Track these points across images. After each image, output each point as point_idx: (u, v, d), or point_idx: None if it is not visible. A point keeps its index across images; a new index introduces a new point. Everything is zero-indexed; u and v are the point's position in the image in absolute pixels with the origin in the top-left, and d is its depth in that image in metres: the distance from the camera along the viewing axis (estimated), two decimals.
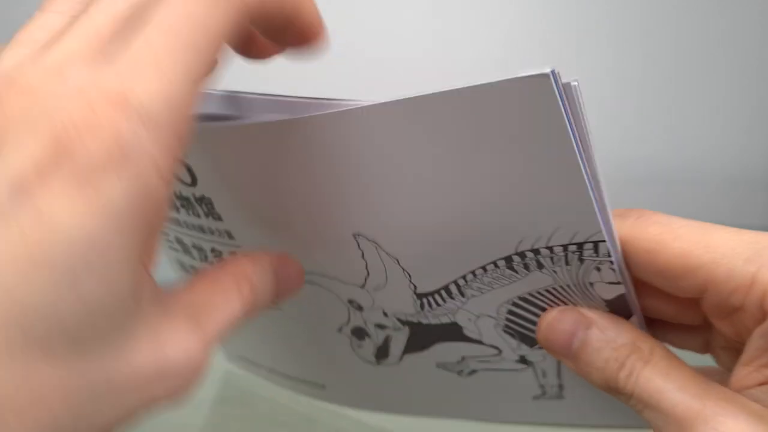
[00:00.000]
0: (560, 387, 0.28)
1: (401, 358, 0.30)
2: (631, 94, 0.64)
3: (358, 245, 0.24)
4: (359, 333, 0.30)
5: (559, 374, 0.28)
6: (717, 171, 0.66)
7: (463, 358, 0.29)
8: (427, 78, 0.62)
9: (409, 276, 0.25)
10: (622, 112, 0.64)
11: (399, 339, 0.29)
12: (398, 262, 0.25)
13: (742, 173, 0.66)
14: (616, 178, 0.68)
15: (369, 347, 0.30)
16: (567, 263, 0.22)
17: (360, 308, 0.28)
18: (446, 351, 0.29)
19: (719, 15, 0.63)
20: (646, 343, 0.23)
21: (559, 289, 0.24)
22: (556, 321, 0.24)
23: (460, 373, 0.29)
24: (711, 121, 0.65)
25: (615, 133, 0.64)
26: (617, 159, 0.65)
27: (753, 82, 0.64)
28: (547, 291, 0.24)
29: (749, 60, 0.64)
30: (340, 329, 0.30)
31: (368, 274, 0.26)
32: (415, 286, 0.25)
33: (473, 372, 0.29)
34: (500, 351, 0.27)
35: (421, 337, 0.28)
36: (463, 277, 0.24)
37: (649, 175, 0.66)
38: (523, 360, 0.28)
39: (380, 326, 0.29)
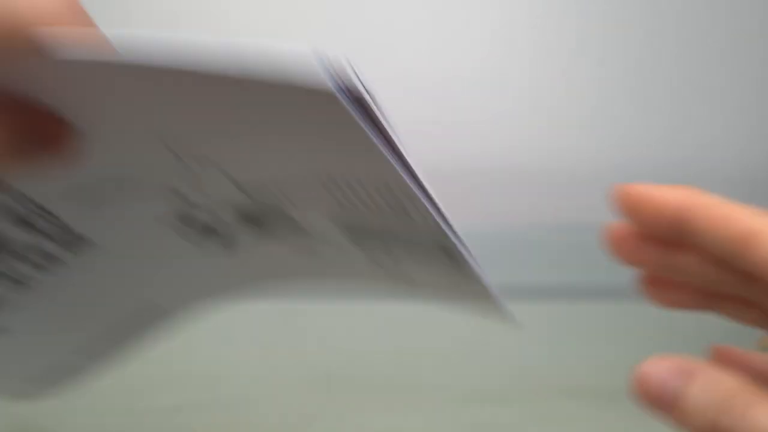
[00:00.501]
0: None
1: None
2: (631, 95, 0.64)
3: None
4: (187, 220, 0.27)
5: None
6: (717, 171, 0.66)
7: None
8: (427, 75, 0.62)
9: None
10: (623, 112, 0.64)
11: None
12: None
13: (742, 173, 0.66)
14: (616, 177, 0.68)
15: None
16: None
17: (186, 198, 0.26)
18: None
19: (720, 15, 0.63)
20: (754, 386, 0.22)
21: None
22: (650, 369, 0.23)
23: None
24: (711, 121, 0.65)
25: (616, 134, 0.64)
26: (618, 159, 0.65)
27: (753, 83, 0.65)
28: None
29: (750, 60, 0.64)
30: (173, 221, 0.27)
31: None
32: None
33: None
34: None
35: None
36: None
37: (649, 175, 0.66)
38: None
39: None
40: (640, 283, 0.27)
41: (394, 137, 0.20)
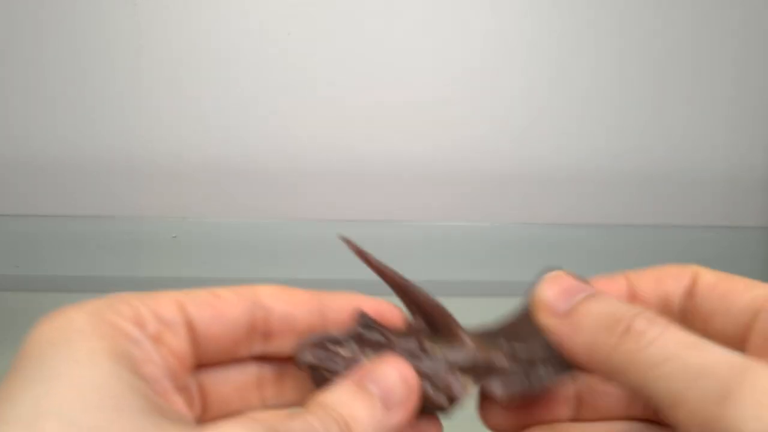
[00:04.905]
0: None
1: None
2: (631, 96, 0.64)
3: None
4: None
5: None
6: (716, 171, 0.66)
7: None
8: (427, 77, 0.62)
9: None
10: (622, 113, 0.64)
11: None
12: None
13: (741, 173, 0.66)
14: (616, 178, 0.68)
15: None
16: None
17: None
18: None
19: (719, 15, 0.63)
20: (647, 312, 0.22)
21: None
22: (562, 276, 0.23)
23: None
24: (711, 121, 0.65)
25: (615, 134, 0.65)
26: (617, 160, 0.65)
27: (752, 83, 0.65)
28: None
29: (748, 60, 0.64)
30: None
31: None
32: None
33: None
34: None
35: None
36: None
37: (649, 176, 0.66)
38: None
39: None
40: None
41: None
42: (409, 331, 0.26)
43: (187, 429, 0.18)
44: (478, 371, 0.26)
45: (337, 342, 0.25)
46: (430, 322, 0.26)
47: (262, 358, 0.26)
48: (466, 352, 0.26)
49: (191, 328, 0.23)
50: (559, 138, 0.64)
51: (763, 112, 0.65)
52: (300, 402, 0.25)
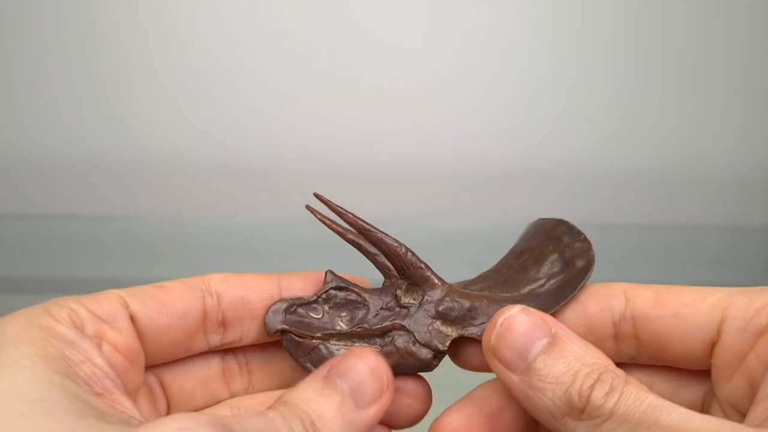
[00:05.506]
0: None
1: None
2: (631, 96, 0.64)
3: None
4: None
5: None
6: (717, 171, 0.66)
7: None
8: (426, 76, 0.62)
9: None
10: (623, 113, 0.64)
11: None
12: None
13: (742, 173, 0.66)
14: (616, 179, 0.68)
15: None
16: None
17: None
18: None
19: (719, 16, 0.63)
20: (618, 368, 0.21)
21: None
22: (515, 320, 0.21)
23: None
24: (711, 121, 0.65)
25: (615, 134, 0.64)
26: (618, 160, 0.65)
27: (752, 83, 0.64)
28: None
29: (748, 60, 0.64)
30: None
31: None
32: None
33: None
34: None
35: None
36: None
37: (649, 176, 0.66)
38: None
39: None
40: None
41: None
42: (383, 289, 0.26)
43: (124, 428, 0.18)
44: (458, 319, 0.25)
45: (307, 305, 0.25)
46: (401, 270, 0.26)
47: (227, 351, 0.25)
48: (443, 295, 0.25)
49: (136, 322, 0.22)
50: (559, 138, 0.64)
51: (766, 111, 0.65)
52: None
